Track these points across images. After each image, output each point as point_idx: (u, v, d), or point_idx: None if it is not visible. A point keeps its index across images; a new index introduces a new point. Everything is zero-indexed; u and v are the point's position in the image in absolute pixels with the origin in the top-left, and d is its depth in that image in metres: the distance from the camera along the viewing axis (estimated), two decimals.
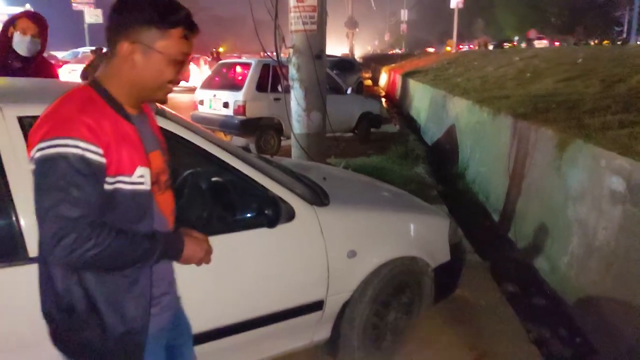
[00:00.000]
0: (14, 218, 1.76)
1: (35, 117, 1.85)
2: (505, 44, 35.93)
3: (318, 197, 2.54)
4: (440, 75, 13.99)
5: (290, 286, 2.43)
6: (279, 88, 8.18)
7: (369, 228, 2.73)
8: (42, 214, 1.22)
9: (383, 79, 25.58)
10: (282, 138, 8.49)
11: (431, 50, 50.01)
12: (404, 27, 56.66)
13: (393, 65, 26.09)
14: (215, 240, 1.60)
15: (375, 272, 2.64)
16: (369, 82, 27.08)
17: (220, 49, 35.31)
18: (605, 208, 3.53)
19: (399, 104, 17.22)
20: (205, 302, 2.11)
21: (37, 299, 1.80)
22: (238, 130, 8.25)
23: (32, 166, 1.25)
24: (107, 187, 1.28)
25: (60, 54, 23.86)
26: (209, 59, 19.99)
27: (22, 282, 1.80)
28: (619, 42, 32.25)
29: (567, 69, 8.70)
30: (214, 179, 2.15)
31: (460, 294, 3.54)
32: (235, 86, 8.52)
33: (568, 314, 3.68)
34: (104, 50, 6.53)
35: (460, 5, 32.57)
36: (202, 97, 8.94)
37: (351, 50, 36.47)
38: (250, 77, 8.25)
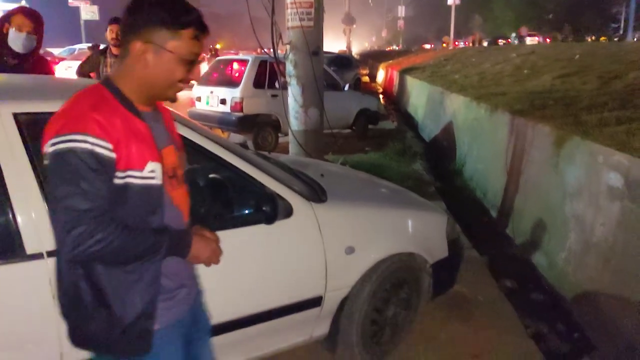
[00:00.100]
0: (10, 215, 1.76)
1: (31, 114, 1.86)
2: (500, 40, 35.86)
3: (316, 193, 2.54)
4: (437, 71, 13.99)
5: (288, 282, 2.43)
6: (277, 85, 8.16)
7: (366, 224, 2.73)
8: (54, 206, 1.28)
9: (380, 76, 25.59)
10: (279, 135, 8.49)
11: (428, 46, 49.99)
12: (401, 23, 56.64)
13: (390, 61, 26.10)
14: None
15: (374, 268, 2.64)
16: (366, 79, 27.07)
17: (218, 46, 35.24)
18: (602, 204, 3.54)
19: (396, 101, 17.23)
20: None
21: (34, 296, 1.81)
22: (235, 127, 8.24)
23: (46, 161, 1.30)
24: (117, 181, 1.32)
25: (56, 51, 23.75)
26: (207, 56, 19.97)
27: (20, 279, 1.81)
28: (615, 39, 32.31)
29: (564, 66, 8.71)
30: (211, 175, 2.15)
31: (459, 289, 3.54)
32: (232, 83, 8.51)
33: (566, 309, 3.69)
34: (101, 46, 6.49)
35: (457, 2, 32.58)
36: (200, 93, 8.92)
37: (348, 46, 36.40)
38: (248, 74, 8.24)
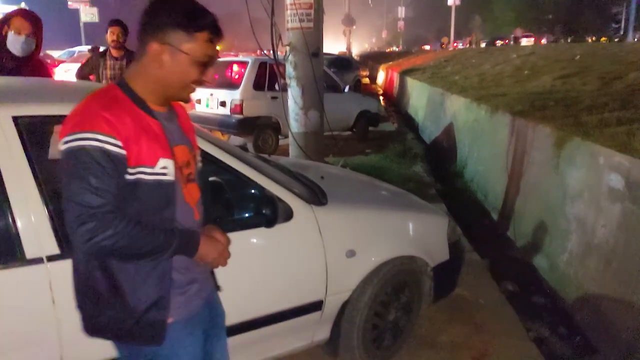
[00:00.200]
0: (10, 219, 1.75)
1: (31, 117, 1.86)
2: (498, 41, 35.82)
3: (316, 196, 2.53)
4: (437, 73, 14.00)
5: (288, 286, 2.41)
6: (277, 86, 8.15)
7: (367, 227, 2.72)
8: (66, 202, 1.32)
9: (380, 77, 25.58)
10: (279, 137, 8.48)
11: (427, 47, 49.98)
12: (401, 24, 56.73)
13: (390, 63, 26.10)
14: None
15: (375, 271, 2.62)
16: (366, 80, 27.05)
17: (217, 48, 35.20)
18: (604, 206, 3.53)
19: (396, 102, 17.23)
20: None
21: (34, 301, 1.80)
22: (235, 129, 8.22)
23: (60, 158, 1.35)
24: (128, 177, 1.37)
25: (56, 53, 23.74)
26: None
27: (20, 284, 1.80)
28: (616, 40, 32.30)
29: (564, 66, 8.72)
30: (211, 178, 2.13)
31: (460, 292, 3.53)
32: (232, 85, 8.49)
33: (567, 312, 3.68)
34: (101, 49, 6.49)
35: (458, 2, 32.61)
36: (200, 95, 8.91)
37: (349, 47, 36.42)
38: (248, 76, 8.22)
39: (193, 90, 1.51)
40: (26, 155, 1.79)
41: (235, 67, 8.92)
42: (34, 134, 1.85)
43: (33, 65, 3.40)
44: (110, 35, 4.82)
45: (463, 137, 7.75)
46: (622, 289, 3.19)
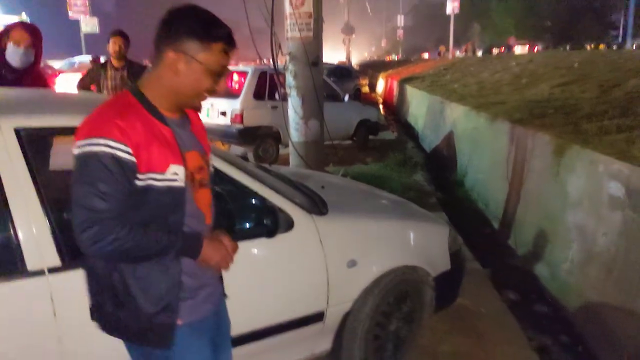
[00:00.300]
0: (12, 231, 1.75)
1: (33, 129, 1.86)
2: (494, 49, 35.92)
3: (317, 206, 2.52)
4: (437, 81, 14.03)
5: (289, 297, 2.40)
6: (277, 96, 8.16)
7: (368, 237, 2.71)
8: (74, 205, 1.36)
9: (380, 86, 25.62)
10: (280, 146, 8.48)
11: (426, 56, 50.10)
12: (400, 32, 56.91)
13: (390, 71, 26.15)
14: None
15: (376, 281, 2.61)
16: (366, 89, 27.11)
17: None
18: (604, 213, 3.53)
19: (396, 111, 17.24)
20: None
21: (36, 313, 1.80)
22: (236, 139, 8.22)
23: (72, 162, 1.40)
24: (139, 183, 1.41)
25: (56, 64, 23.78)
26: None
27: (20, 295, 1.79)
28: (615, 47, 32.39)
29: (563, 74, 8.74)
30: None
31: (461, 302, 3.51)
32: (232, 94, 8.51)
33: (569, 320, 3.66)
34: (102, 59, 6.50)
35: (456, 11, 32.75)
36: None
37: (348, 56, 36.54)
38: (248, 85, 8.24)
39: (205, 98, 1.54)
40: (28, 166, 1.79)
41: (235, 77, 8.94)
42: (35, 145, 1.86)
43: (33, 77, 3.41)
44: (112, 46, 4.83)
45: (463, 145, 7.76)
46: (624, 297, 3.18)
